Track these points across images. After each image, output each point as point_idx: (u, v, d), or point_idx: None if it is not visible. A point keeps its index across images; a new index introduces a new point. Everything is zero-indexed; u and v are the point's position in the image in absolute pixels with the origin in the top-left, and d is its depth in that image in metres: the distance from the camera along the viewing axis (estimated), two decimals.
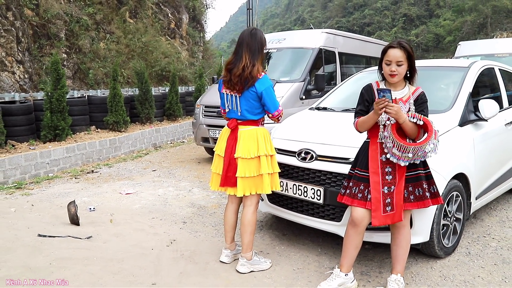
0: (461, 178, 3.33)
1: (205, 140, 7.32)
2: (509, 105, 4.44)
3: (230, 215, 3.19)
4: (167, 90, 12.54)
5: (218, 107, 7.03)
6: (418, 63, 4.25)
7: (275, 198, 3.56)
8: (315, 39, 7.63)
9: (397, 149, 2.46)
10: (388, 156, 2.54)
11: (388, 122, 2.54)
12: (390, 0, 75.26)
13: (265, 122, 3.17)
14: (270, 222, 4.18)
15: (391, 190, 2.57)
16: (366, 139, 2.77)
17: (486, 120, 3.64)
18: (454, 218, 3.33)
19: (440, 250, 3.19)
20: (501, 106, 4.18)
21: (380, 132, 2.63)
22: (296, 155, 3.38)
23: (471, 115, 3.60)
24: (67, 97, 8.26)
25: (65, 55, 11.90)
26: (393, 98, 2.49)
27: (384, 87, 2.56)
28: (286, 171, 3.39)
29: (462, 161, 3.34)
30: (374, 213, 2.57)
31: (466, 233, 3.80)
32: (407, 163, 2.51)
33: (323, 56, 7.55)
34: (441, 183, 2.99)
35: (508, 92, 4.59)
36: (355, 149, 2.89)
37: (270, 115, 3.00)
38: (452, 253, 3.35)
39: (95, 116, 9.43)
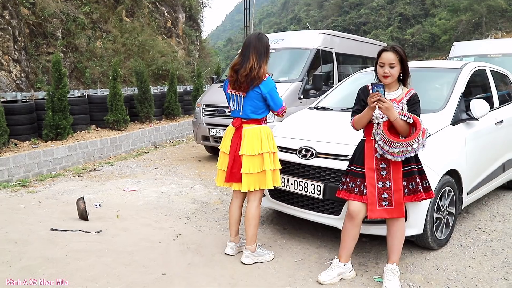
0: (453, 174, 3.51)
1: (205, 138, 7.48)
2: (499, 104, 4.63)
3: (235, 210, 3.36)
4: (165, 89, 12.67)
5: (218, 106, 7.26)
6: (412, 64, 4.45)
7: (277, 193, 3.73)
8: (313, 39, 7.80)
9: (386, 144, 2.64)
10: (378, 150, 2.71)
11: (381, 120, 2.71)
12: None
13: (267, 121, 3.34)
14: (271, 217, 4.35)
15: (386, 185, 2.75)
16: (363, 137, 2.95)
17: (477, 119, 3.83)
18: (447, 212, 3.52)
19: (433, 242, 3.37)
20: (491, 106, 4.37)
21: (373, 130, 2.80)
22: (297, 153, 3.55)
23: (463, 115, 3.78)
24: (68, 96, 8.38)
25: (62, 54, 11.92)
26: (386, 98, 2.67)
27: (378, 82, 2.73)
28: (288, 168, 3.56)
29: (454, 158, 3.52)
30: (370, 207, 2.75)
31: (458, 226, 3.99)
32: (397, 159, 2.68)
33: (321, 56, 7.72)
34: (434, 179, 3.16)
35: (499, 92, 4.79)
36: (353, 146, 3.07)
37: (275, 113, 3.18)
38: (445, 245, 3.54)
39: (95, 115, 9.56)
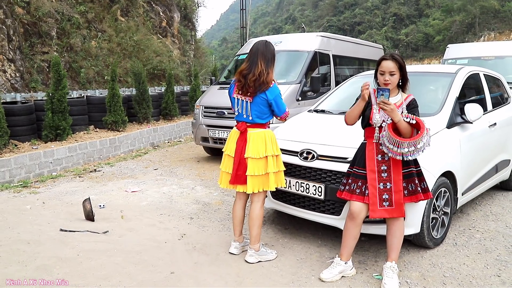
0: (448, 175, 3.65)
1: (205, 139, 7.59)
2: (492, 107, 4.79)
3: (239, 211, 3.48)
4: (162, 90, 12.74)
5: (217, 108, 7.37)
6: (409, 68, 4.59)
7: (279, 194, 3.85)
8: (311, 42, 7.93)
9: (393, 145, 2.77)
10: (386, 151, 2.84)
11: (384, 124, 2.85)
12: None
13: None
14: (272, 218, 4.47)
15: (387, 187, 2.88)
16: (363, 140, 3.08)
17: (471, 123, 3.98)
18: (442, 212, 3.66)
19: (429, 241, 3.51)
20: (485, 109, 4.52)
21: (375, 133, 2.94)
22: (299, 155, 3.68)
23: (457, 118, 3.93)
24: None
25: (57, 54, 11.94)
26: None
27: (383, 87, 2.86)
28: (289, 170, 3.68)
29: (449, 160, 3.66)
30: (371, 207, 2.88)
31: (453, 225, 4.13)
32: (405, 158, 2.80)
33: (318, 59, 7.86)
34: (430, 180, 3.30)
35: (492, 94, 4.94)
36: (353, 149, 3.21)
37: (278, 118, 3.31)
38: (441, 244, 3.68)
39: (94, 116, 9.63)
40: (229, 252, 3.50)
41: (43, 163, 7.01)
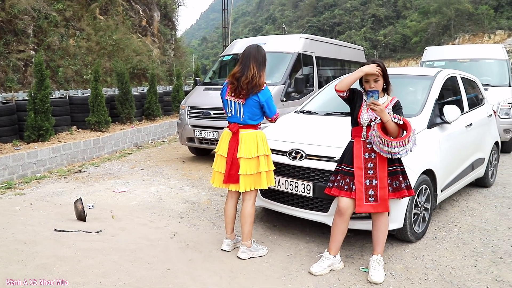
0: (429, 173, 3.86)
1: (190, 140, 7.66)
2: (469, 108, 5.04)
3: (230, 209, 3.59)
4: (145, 90, 12.68)
5: (203, 109, 7.46)
6: (392, 71, 4.79)
7: (268, 193, 3.98)
8: (294, 44, 8.10)
9: (383, 144, 2.95)
10: (376, 150, 3.01)
11: (373, 123, 3.02)
12: (359, 0, 77.14)
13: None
14: (261, 215, 4.60)
15: (373, 183, 3.05)
16: (351, 139, 3.24)
17: (450, 123, 4.20)
18: (423, 208, 3.86)
19: (412, 235, 3.71)
20: (462, 110, 4.77)
21: (363, 132, 3.11)
22: (288, 155, 3.82)
23: (437, 119, 4.15)
24: None
25: (33, 52, 11.66)
26: None
27: (373, 89, 3.02)
28: (279, 169, 3.81)
29: (430, 159, 3.87)
30: (357, 202, 3.05)
31: (433, 221, 4.35)
32: (393, 156, 2.99)
33: (302, 60, 8.03)
34: (412, 178, 3.49)
35: (468, 96, 5.20)
36: (339, 149, 3.37)
37: (269, 119, 3.44)
38: (422, 238, 3.89)
39: (76, 116, 9.54)
40: (221, 249, 3.61)
41: (26, 164, 6.95)
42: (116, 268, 3.06)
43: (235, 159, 3.36)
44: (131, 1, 18.68)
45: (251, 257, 3.46)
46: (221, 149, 3.48)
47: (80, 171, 7.17)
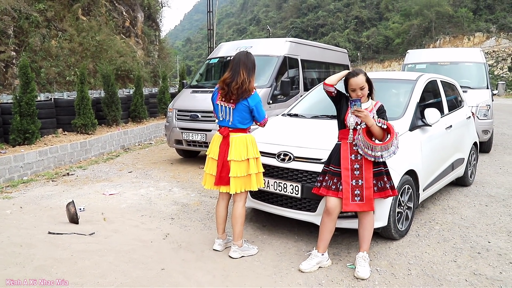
0: (411, 173, 4.04)
1: (178, 142, 7.74)
2: (449, 111, 5.26)
3: (222, 210, 3.70)
4: (131, 92, 12.66)
5: (191, 111, 7.55)
6: (375, 75, 4.98)
7: (258, 194, 4.10)
8: (280, 47, 8.26)
9: (368, 148, 3.12)
10: (361, 153, 3.17)
11: (359, 126, 3.17)
12: (343, 2, 77.98)
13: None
14: (250, 216, 4.72)
15: (359, 183, 3.21)
16: (338, 141, 3.39)
17: (431, 126, 4.40)
18: (406, 207, 4.04)
19: (395, 233, 3.88)
20: (442, 112, 4.97)
21: (349, 135, 3.26)
22: (276, 157, 3.95)
23: (418, 122, 4.34)
24: None
25: (14, 53, 11.50)
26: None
27: (355, 98, 3.18)
28: (268, 171, 3.94)
29: (412, 160, 4.05)
30: (344, 201, 3.20)
31: (416, 219, 4.54)
32: (379, 160, 3.16)
33: (288, 63, 8.19)
34: (396, 178, 3.66)
35: (448, 98, 5.42)
36: (326, 151, 3.52)
37: (258, 124, 3.57)
38: (405, 235, 4.07)
39: (62, 119, 9.51)
40: (213, 249, 3.71)
41: (13, 167, 6.92)
42: (112, 268, 3.14)
43: (225, 162, 3.47)
44: (114, 2, 18.56)
45: (242, 256, 3.58)
46: (212, 152, 3.59)
47: (68, 174, 7.17)
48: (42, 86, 11.86)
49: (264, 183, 3.90)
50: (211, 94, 3.71)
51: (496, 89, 9.45)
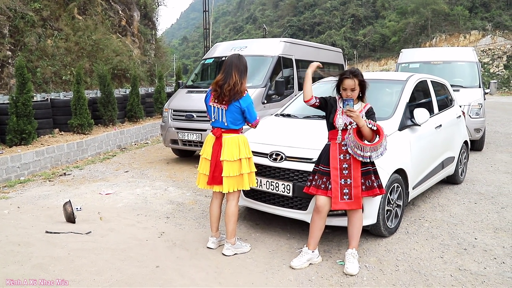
0: (400, 172, 4.14)
1: (174, 142, 7.82)
2: (438, 110, 5.36)
3: (215, 209, 3.80)
4: (127, 92, 12.70)
5: (186, 111, 7.63)
6: (365, 75, 5.06)
7: (251, 193, 4.20)
8: (275, 47, 8.35)
9: (357, 148, 3.22)
10: (351, 153, 3.27)
11: (349, 126, 3.27)
12: (339, 0, 78.03)
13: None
14: (244, 214, 4.81)
15: (348, 182, 3.31)
16: (327, 142, 3.49)
17: (420, 125, 4.50)
18: (396, 205, 4.14)
19: (385, 231, 3.98)
20: (432, 112, 5.08)
21: (338, 135, 3.36)
22: (268, 157, 4.04)
23: (408, 121, 4.44)
24: None
25: (10, 53, 11.50)
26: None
27: (348, 98, 3.28)
28: (260, 170, 4.03)
29: (401, 159, 4.15)
30: (334, 200, 3.30)
31: (405, 216, 4.65)
32: (367, 160, 3.26)
33: (282, 63, 8.28)
34: (384, 177, 3.76)
35: (438, 98, 5.53)
36: (317, 151, 3.62)
37: (250, 125, 3.66)
38: (394, 233, 4.17)
39: (58, 119, 9.57)
40: (207, 247, 3.81)
41: (10, 168, 6.98)
42: (108, 266, 3.23)
43: (218, 162, 3.56)
44: (110, 1, 18.55)
45: (235, 254, 3.68)
46: (206, 153, 3.68)
47: (64, 174, 7.24)
48: (38, 86, 11.87)
49: (257, 182, 4.00)
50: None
51: (488, 88, 9.57)
